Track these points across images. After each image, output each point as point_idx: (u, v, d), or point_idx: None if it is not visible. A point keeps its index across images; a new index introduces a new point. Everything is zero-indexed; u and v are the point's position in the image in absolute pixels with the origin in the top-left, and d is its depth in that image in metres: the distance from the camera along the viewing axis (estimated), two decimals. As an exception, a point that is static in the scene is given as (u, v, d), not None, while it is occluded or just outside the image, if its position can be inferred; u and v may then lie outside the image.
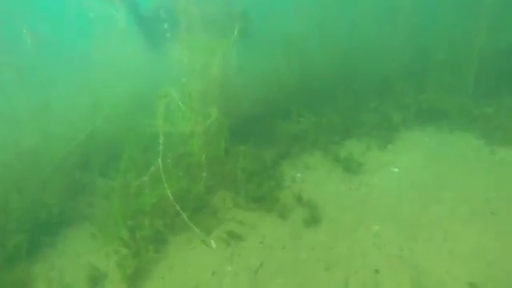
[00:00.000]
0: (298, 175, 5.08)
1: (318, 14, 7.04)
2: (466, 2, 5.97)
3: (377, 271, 3.33)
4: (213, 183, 4.88)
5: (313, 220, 4.09)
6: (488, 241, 3.48)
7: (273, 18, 7.10)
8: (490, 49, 5.86)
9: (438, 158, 4.94)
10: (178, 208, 3.86)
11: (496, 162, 4.68)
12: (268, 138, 6.02)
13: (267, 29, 7.17)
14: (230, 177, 4.87)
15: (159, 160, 4.05)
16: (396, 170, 4.88)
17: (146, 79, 6.71)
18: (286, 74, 6.83)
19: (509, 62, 5.96)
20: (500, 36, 5.88)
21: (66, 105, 6.16)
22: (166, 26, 5.87)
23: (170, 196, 4.01)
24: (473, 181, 4.38)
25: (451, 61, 6.31)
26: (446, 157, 4.93)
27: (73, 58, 7.11)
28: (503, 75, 6.00)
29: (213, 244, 3.90)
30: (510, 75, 5.93)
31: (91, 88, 6.29)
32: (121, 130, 5.67)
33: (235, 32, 5.94)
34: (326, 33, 7.01)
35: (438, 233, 3.65)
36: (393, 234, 3.74)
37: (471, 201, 4.04)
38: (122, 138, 5.60)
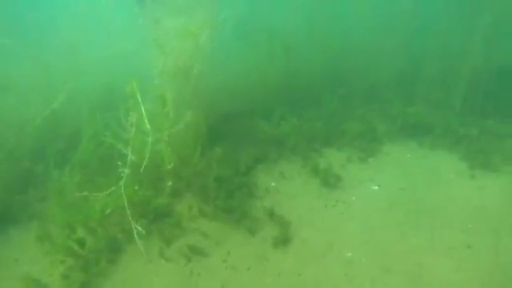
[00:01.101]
0: (273, 184, 4.77)
1: (308, 9, 6.62)
2: (463, 17, 5.71)
3: (345, 306, 3.10)
4: (180, 187, 4.51)
5: (283, 239, 3.80)
6: (463, 278, 3.31)
7: (259, 10, 6.64)
8: (480, 68, 5.65)
9: (420, 179, 4.74)
10: (129, 214, 3.41)
11: (475, 189, 4.52)
12: (246, 138, 5.65)
13: (252, 21, 6.71)
14: (199, 181, 4.50)
15: (121, 164, 3.60)
16: (375, 187, 4.64)
17: (120, 61, 6.15)
18: (270, 70, 6.43)
19: (497, 84, 5.80)
20: (492, 57, 5.68)
21: (26, 83, 5.55)
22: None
23: (125, 200, 3.57)
24: (452, 209, 4.19)
25: (441, 75, 6.10)
26: (427, 179, 4.74)
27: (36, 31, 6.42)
28: (490, 97, 5.85)
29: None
30: (496, 98, 5.79)
31: (56, 65, 5.68)
32: (84, 115, 5.19)
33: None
34: (316, 30, 6.62)
35: (413, 266, 3.44)
36: (366, 263, 3.51)
37: (448, 231, 3.86)
38: (83, 126, 5.14)
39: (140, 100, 3.43)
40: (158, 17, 4.70)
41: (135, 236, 3.40)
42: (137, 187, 3.69)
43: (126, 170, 3.27)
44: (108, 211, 3.55)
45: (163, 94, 3.89)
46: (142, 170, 3.37)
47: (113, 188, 3.34)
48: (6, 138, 4.72)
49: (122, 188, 3.30)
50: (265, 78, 6.34)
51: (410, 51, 6.46)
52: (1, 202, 4.18)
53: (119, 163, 3.38)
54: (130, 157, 3.32)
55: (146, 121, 3.39)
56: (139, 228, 3.35)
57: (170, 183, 3.98)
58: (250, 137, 5.69)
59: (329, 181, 4.73)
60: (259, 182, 4.77)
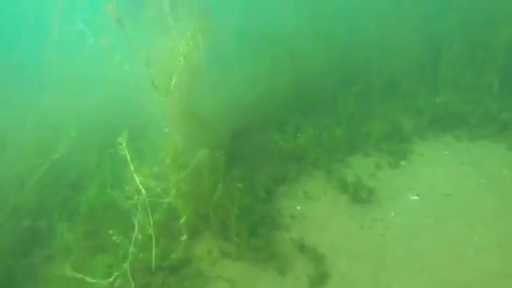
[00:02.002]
0: (298, 208, 4.24)
1: (309, 7, 6.06)
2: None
3: None
4: (198, 224, 4.04)
5: (319, 277, 3.27)
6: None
7: (258, 15, 6.13)
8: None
9: (466, 181, 4.12)
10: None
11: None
12: (261, 157, 5.15)
13: (252, 28, 6.21)
14: (218, 216, 4.02)
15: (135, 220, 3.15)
16: (415, 197, 4.05)
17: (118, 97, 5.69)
18: (277, 78, 5.92)
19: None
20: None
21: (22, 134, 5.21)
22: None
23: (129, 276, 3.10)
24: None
25: (468, 54, 5.41)
26: (475, 179, 4.11)
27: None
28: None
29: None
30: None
31: (54, 108, 5.33)
32: (87, 160, 4.83)
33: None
34: (320, 27, 6.05)
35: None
36: (422, 299, 2.94)
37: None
38: (86, 171, 4.77)
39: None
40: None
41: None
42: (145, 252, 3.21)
43: (135, 234, 2.82)
44: (114, 276, 3.09)
45: (171, 141, 3.42)
46: (151, 232, 2.90)
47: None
48: (4, 195, 4.37)
49: (130, 257, 2.85)
50: (273, 87, 5.84)
51: (428, 30, 5.77)
52: (4, 267, 3.81)
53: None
54: (138, 217, 2.87)
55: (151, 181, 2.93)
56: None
57: (184, 237, 3.49)
58: (265, 155, 5.19)
59: (360, 195, 4.17)
60: (282, 207, 4.25)
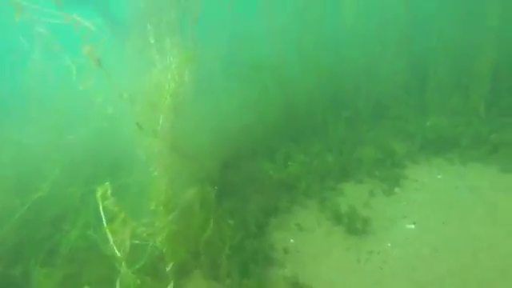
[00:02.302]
0: (291, 241, 4.06)
1: (296, 35, 6.11)
2: (472, 10, 5.13)
3: None
4: (187, 261, 3.81)
5: (317, 319, 3.08)
6: None
7: (246, 42, 6.16)
8: (501, 61, 5.01)
9: (463, 206, 4.01)
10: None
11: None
12: (251, 187, 5.01)
13: (240, 57, 6.23)
14: (207, 254, 3.81)
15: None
16: (412, 226, 3.92)
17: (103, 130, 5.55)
18: (265, 105, 5.87)
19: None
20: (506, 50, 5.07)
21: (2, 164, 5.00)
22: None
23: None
24: (513, 241, 3.45)
25: (454, 79, 5.46)
26: (472, 204, 4.00)
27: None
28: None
29: None
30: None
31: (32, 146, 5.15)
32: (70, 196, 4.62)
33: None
34: (307, 54, 6.07)
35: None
36: None
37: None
38: (69, 208, 4.55)
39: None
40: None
41: None
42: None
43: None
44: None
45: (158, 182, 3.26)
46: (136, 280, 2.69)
47: None
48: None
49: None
50: (261, 115, 5.78)
51: (413, 57, 5.85)
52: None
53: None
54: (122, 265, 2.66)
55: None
56: None
57: (171, 285, 3.25)
58: (256, 185, 5.05)
59: (355, 226, 4.02)
60: (275, 241, 4.07)
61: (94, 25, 3.66)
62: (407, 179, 4.71)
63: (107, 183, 2.51)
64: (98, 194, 2.54)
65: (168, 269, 3.20)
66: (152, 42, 4.24)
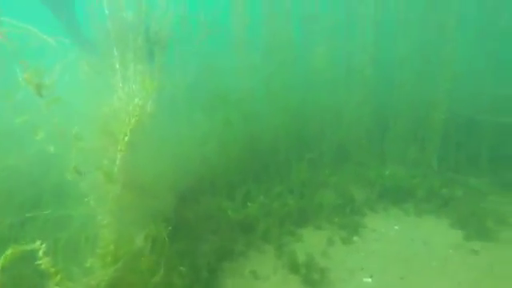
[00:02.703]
0: (245, 290, 3.80)
1: (267, 70, 6.14)
2: (429, 68, 5.47)
3: None
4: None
5: None
6: None
7: (217, 71, 6.07)
8: (449, 120, 5.34)
9: (419, 261, 4.01)
10: None
11: (484, 270, 3.84)
12: (207, 226, 4.73)
13: (206, 85, 6.11)
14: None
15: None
16: (369, 280, 3.82)
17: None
18: (229, 139, 5.72)
19: (468, 137, 5.51)
20: (460, 108, 5.44)
21: None
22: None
23: None
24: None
25: (413, 129, 5.69)
26: (427, 260, 4.02)
27: None
28: (464, 150, 5.51)
29: None
30: (472, 152, 5.46)
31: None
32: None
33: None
34: (275, 92, 6.09)
35: None
36: None
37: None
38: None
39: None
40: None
41: None
42: None
43: None
44: None
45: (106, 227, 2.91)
46: None
47: None
48: None
49: None
50: (224, 149, 5.60)
51: (376, 104, 6.06)
52: None
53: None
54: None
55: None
56: None
57: None
58: (212, 224, 4.78)
59: (312, 277, 3.84)
60: (227, 289, 3.79)
61: (59, 42, 3.39)
62: (366, 228, 4.69)
63: (39, 242, 2.12)
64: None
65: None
66: (117, 67, 4.00)
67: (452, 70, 5.22)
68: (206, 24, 5.75)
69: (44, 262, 2.10)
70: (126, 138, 3.22)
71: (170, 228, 3.84)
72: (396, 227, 4.69)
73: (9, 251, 2.09)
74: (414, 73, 5.56)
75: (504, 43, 5.49)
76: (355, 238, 4.52)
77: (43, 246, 2.09)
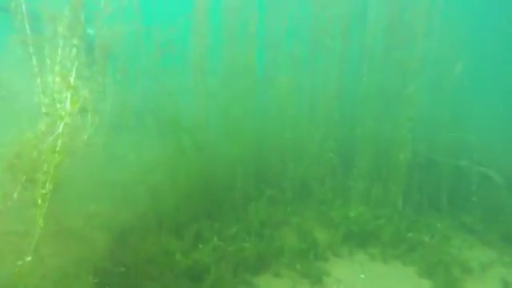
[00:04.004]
0: None
1: (224, 98, 5.66)
2: (392, 106, 5.37)
3: None
4: None
5: None
6: None
7: (170, 93, 5.45)
8: (411, 162, 5.23)
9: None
10: None
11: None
12: (150, 271, 3.95)
13: (160, 106, 5.45)
14: None
15: None
16: None
17: None
18: (180, 168, 5.05)
19: (429, 178, 5.42)
20: (421, 150, 5.37)
21: None
22: None
23: None
24: None
25: (377, 168, 5.48)
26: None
27: None
28: (426, 191, 5.40)
29: None
30: (435, 194, 5.36)
31: None
32: None
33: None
34: (233, 122, 5.59)
35: None
36: None
37: None
38: None
39: None
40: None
41: None
42: None
43: None
44: None
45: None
46: None
47: None
48: None
49: None
50: (174, 179, 4.92)
51: (340, 141, 5.79)
52: None
53: None
54: None
55: None
56: None
57: None
58: (153, 268, 4.01)
59: None
60: None
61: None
62: (330, 276, 4.19)
63: None
64: None
65: None
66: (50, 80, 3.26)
67: (414, 109, 5.15)
68: (159, 41, 5.19)
69: None
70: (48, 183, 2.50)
71: (95, 281, 3.09)
72: (362, 276, 4.25)
73: None
74: (377, 110, 5.41)
75: (457, 92, 5.58)
76: (318, 288, 4.00)
77: None
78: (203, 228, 4.60)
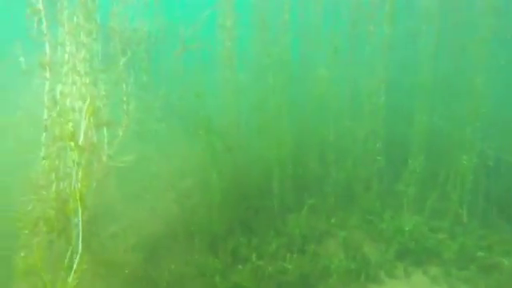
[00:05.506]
0: None
1: (258, 95, 5.12)
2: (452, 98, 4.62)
3: None
4: None
5: None
6: None
7: (199, 94, 4.96)
8: (479, 165, 4.49)
9: None
10: None
11: None
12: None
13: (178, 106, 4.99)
14: None
15: None
16: None
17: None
18: (211, 173, 4.62)
19: (498, 183, 4.65)
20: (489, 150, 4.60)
21: None
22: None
23: None
24: None
25: (434, 170, 4.79)
26: None
27: None
28: (497, 201, 4.67)
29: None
30: (505, 202, 4.59)
31: None
32: None
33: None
34: (267, 117, 5.03)
35: None
36: None
37: None
38: None
39: None
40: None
41: None
42: None
43: None
44: None
45: None
46: None
47: None
48: None
49: None
50: (206, 187, 4.55)
51: (391, 137, 5.10)
52: None
53: None
54: None
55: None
56: None
57: None
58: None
59: None
60: None
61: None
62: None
63: None
64: None
65: None
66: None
67: (481, 104, 4.36)
68: (184, 38, 4.68)
69: None
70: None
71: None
72: (424, 302, 3.68)
73: None
74: (435, 103, 4.67)
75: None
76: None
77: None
78: (240, 244, 4.17)
